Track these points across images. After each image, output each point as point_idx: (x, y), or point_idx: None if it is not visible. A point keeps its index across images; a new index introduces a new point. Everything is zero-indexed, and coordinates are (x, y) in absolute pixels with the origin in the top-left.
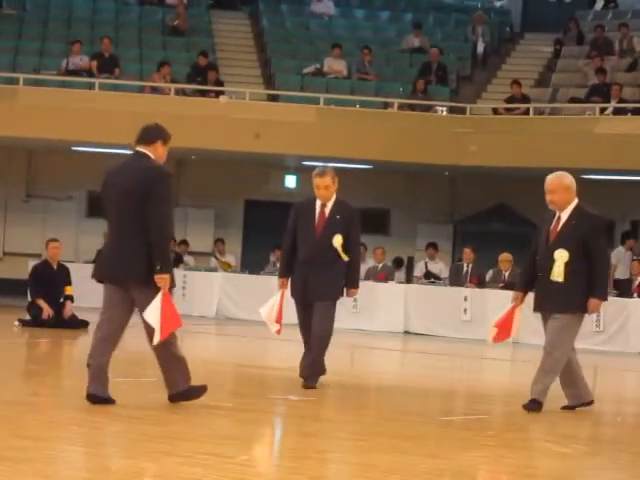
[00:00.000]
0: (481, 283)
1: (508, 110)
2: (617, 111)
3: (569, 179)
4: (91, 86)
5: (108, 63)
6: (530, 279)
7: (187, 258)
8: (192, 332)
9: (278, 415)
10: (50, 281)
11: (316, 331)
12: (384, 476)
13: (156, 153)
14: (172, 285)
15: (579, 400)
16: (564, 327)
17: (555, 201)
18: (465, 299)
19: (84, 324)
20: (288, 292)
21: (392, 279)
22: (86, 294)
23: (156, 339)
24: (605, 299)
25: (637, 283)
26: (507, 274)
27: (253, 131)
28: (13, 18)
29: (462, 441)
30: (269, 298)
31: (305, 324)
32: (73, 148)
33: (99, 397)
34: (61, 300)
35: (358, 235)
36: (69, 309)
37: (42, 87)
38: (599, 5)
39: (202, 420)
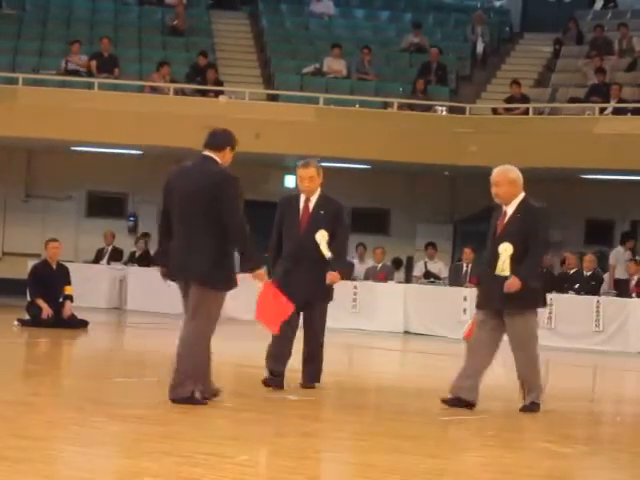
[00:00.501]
0: None
1: (508, 110)
2: (617, 111)
3: (515, 173)
4: (90, 86)
5: (107, 63)
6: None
7: None
8: None
9: (277, 415)
10: (49, 281)
11: (313, 334)
12: (384, 476)
13: (224, 159)
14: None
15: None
16: (521, 326)
17: (500, 194)
18: (465, 299)
19: (83, 324)
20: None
21: (392, 279)
22: (85, 294)
23: (267, 325)
24: (524, 282)
25: (634, 283)
26: None
27: (253, 131)
28: (12, 18)
29: (462, 441)
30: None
31: (286, 328)
32: (73, 148)
33: (179, 399)
34: (60, 300)
35: (345, 230)
36: (68, 309)
37: (41, 87)
38: (598, 5)
39: (202, 420)
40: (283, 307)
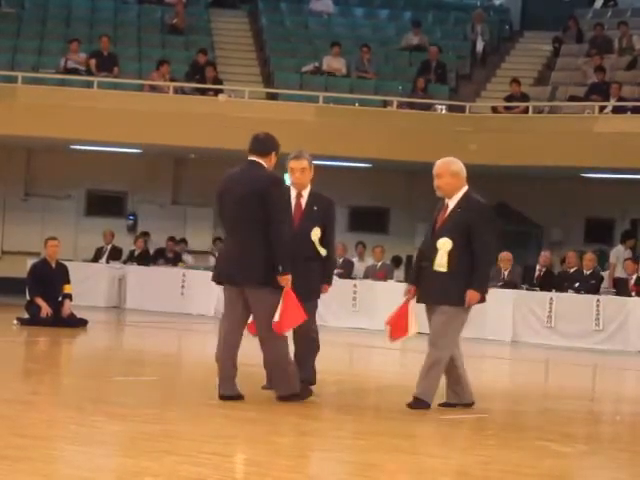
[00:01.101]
0: None
1: (507, 108)
2: (616, 109)
3: (458, 165)
4: (90, 85)
5: (107, 62)
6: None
7: (186, 257)
8: (191, 331)
9: (277, 414)
10: (49, 280)
11: (302, 334)
12: (383, 475)
13: (270, 163)
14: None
15: (459, 399)
16: (447, 320)
17: (441, 186)
18: None
19: (83, 323)
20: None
21: (391, 278)
22: (85, 293)
23: (278, 328)
24: (482, 292)
25: (633, 282)
26: (506, 273)
27: (252, 130)
28: (12, 17)
29: (461, 440)
30: None
31: None
32: (72, 147)
33: (228, 396)
34: (60, 299)
35: (334, 229)
36: (68, 308)
37: (41, 86)
38: (598, 3)
39: (201, 419)
40: (299, 315)
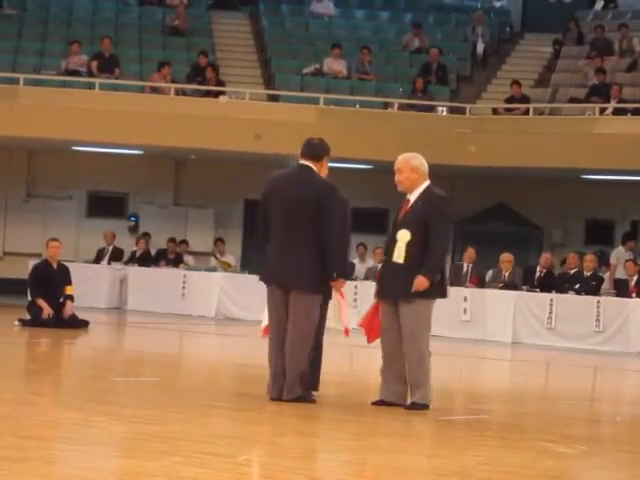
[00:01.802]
0: (481, 283)
1: (508, 110)
2: (617, 111)
3: (418, 160)
4: (91, 86)
5: (108, 63)
6: None
7: (187, 258)
8: (192, 332)
9: (277, 415)
10: (50, 281)
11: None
12: (383, 476)
13: (322, 168)
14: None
15: (400, 399)
16: (416, 321)
17: (401, 181)
18: (465, 299)
19: (84, 324)
20: None
21: None
22: (86, 294)
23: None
24: (430, 279)
25: (633, 283)
26: (507, 274)
27: (253, 131)
28: (13, 18)
29: (461, 441)
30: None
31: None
32: (73, 148)
33: (291, 400)
34: (61, 300)
35: (349, 227)
36: (69, 309)
37: (42, 87)
38: (599, 5)
39: (202, 420)
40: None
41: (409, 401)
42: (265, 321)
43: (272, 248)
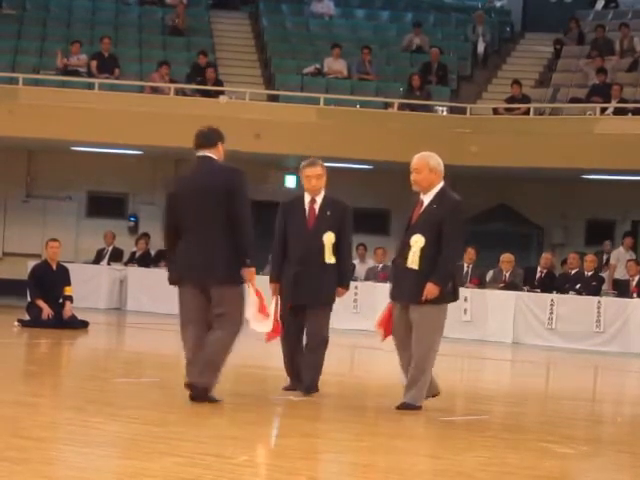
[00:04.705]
0: (481, 283)
1: (508, 110)
2: (617, 111)
3: (435, 160)
4: (91, 86)
5: (108, 63)
6: None
7: None
8: None
9: (278, 415)
10: (49, 281)
11: (315, 341)
12: (384, 476)
13: (218, 154)
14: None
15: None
16: (428, 323)
17: (418, 181)
18: (465, 299)
19: (84, 324)
20: None
21: None
22: (86, 294)
23: (260, 329)
24: (441, 286)
25: (634, 283)
26: (508, 274)
27: (253, 131)
28: (13, 18)
29: (462, 441)
30: (269, 298)
31: (294, 330)
32: (73, 148)
33: (199, 389)
34: (60, 300)
35: (350, 232)
36: (69, 309)
37: (42, 87)
38: (600, 5)
39: (202, 420)
40: (266, 315)
41: (401, 400)
42: (268, 325)
43: (184, 246)
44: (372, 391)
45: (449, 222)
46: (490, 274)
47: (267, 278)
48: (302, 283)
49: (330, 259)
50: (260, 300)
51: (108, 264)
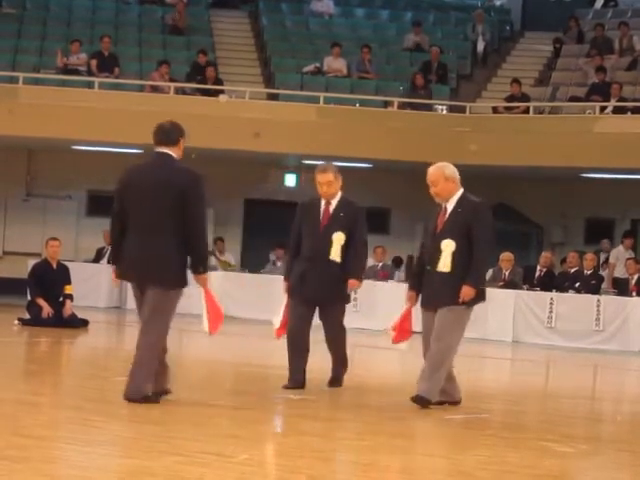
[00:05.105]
0: None
1: (508, 109)
2: (617, 110)
3: (450, 169)
4: (91, 85)
5: (108, 62)
6: (422, 277)
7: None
8: (191, 331)
9: (278, 414)
10: (50, 280)
11: (334, 340)
12: (384, 475)
13: (179, 152)
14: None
15: (448, 397)
16: (452, 320)
17: (439, 192)
18: None
19: (84, 323)
20: None
21: (392, 278)
22: (86, 293)
23: (208, 330)
24: (477, 288)
25: (634, 282)
26: (507, 273)
27: (253, 130)
28: (13, 17)
29: (462, 440)
30: (269, 297)
31: (300, 326)
32: (73, 147)
33: (136, 399)
34: (61, 299)
35: (363, 232)
36: (69, 308)
37: (42, 86)
38: (599, 4)
39: (202, 419)
40: (220, 315)
41: (415, 393)
42: (277, 323)
43: (129, 241)
44: (372, 390)
45: (477, 225)
46: (490, 273)
47: (266, 277)
48: (309, 280)
49: (336, 257)
50: (210, 302)
51: (108, 263)
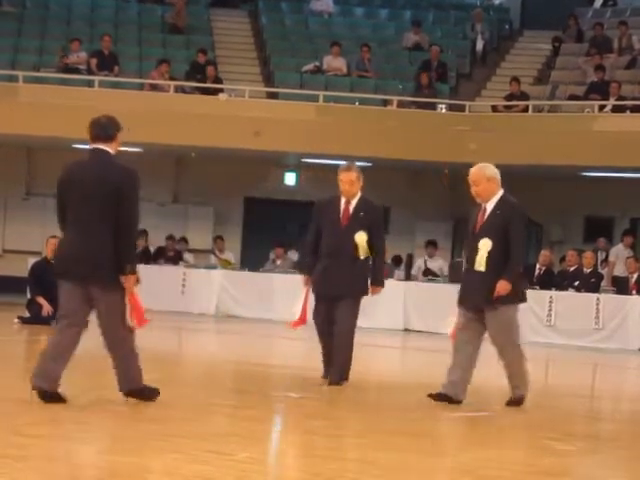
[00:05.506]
0: None
1: (507, 107)
2: (616, 108)
3: (491, 170)
4: (91, 84)
5: (108, 61)
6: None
7: (186, 255)
8: (192, 329)
9: (279, 412)
10: (50, 278)
11: (341, 332)
12: (385, 473)
13: (115, 147)
14: (138, 281)
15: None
16: (502, 321)
17: (479, 192)
18: None
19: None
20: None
21: (392, 277)
22: None
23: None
24: (512, 283)
25: (634, 280)
26: None
27: (252, 129)
28: (13, 16)
29: (462, 438)
30: (269, 295)
31: (324, 319)
32: (73, 146)
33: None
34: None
35: (382, 233)
36: None
37: (42, 85)
38: (598, 3)
39: (203, 418)
40: (142, 318)
41: (511, 397)
42: (297, 313)
43: (67, 238)
44: (373, 388)
45: (514, 227)
46: None
47: (266, 275)
48: (331, 276)
49: (361, 255)
50: (133, 302)
51: None
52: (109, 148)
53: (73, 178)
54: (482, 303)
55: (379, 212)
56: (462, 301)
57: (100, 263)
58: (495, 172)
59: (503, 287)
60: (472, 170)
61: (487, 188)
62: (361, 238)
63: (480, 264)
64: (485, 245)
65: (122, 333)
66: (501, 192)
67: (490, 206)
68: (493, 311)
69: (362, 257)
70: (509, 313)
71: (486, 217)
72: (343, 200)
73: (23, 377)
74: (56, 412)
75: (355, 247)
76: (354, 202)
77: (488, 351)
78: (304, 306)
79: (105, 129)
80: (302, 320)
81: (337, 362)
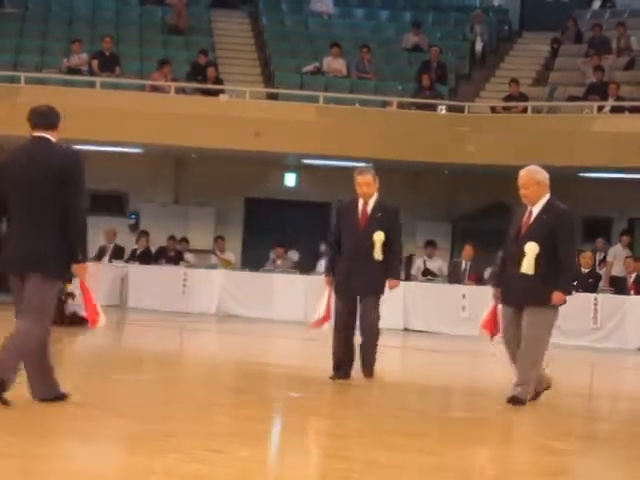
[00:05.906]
0: (480, 280)
1: (506, 109)
2: (614, 109)
3: (541, 174)
4: (92, 85)
5: (109, 62)
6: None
7: (187, 256)
8: (192, 329)
9: (279, 412)
10: None
11: (366, 326)
12: (384, 473)
13: (57, 136)
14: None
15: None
16: (540, 320)
17: (528, 195)
18: (463, 296)
19: (85, 321)
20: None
21: None
22: None
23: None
24: (568, 293)
25: (632, 280)
26: None
27: (253, 129)
28: (15, 17)
29: (462, 437)
30: (269, 295)
31: (345, 319)
32: (74, 146)
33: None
34: (62, 297)
35: (399, 232)
36: (70, 306)
37: (43, 86)
38: (597, 4)
39: (203, 417)
40: (95, 307)
41: (511, 394)
42: (318, 314)
43: (9, 230)
44: (372, 388)
45: (563, 232)
46: (488, 271)
47: (266, 276)
48: (354, 277)
49: (379, 256)
50: (86, 295)
51: (109, 261)
52: (51, 136)
53: (12, 166)
54: (528, 304)
55: (395, 212)
56: (507, 301)
57: (40, 254)
58: (545, 176)
59: (559, 298)
60: (521, 173)
61: (536, 191)
62: (379, 238)
63: (528, 268)
64: (532, 249)
65: (35, 325)
66: (548, 196)
67: (536, 209)
68: (533, 309)
69: (380, 257)
70: (549, 315)
71: (532, 221)
72: (361, 202)
73: (23, 377)
74: (56, 412)
75: (373, 247)
76: (371, 203)
77: (488, 351)
78: (327, 306)
79: (47, 117)
80: (325, 319)
81: (367, 354)
